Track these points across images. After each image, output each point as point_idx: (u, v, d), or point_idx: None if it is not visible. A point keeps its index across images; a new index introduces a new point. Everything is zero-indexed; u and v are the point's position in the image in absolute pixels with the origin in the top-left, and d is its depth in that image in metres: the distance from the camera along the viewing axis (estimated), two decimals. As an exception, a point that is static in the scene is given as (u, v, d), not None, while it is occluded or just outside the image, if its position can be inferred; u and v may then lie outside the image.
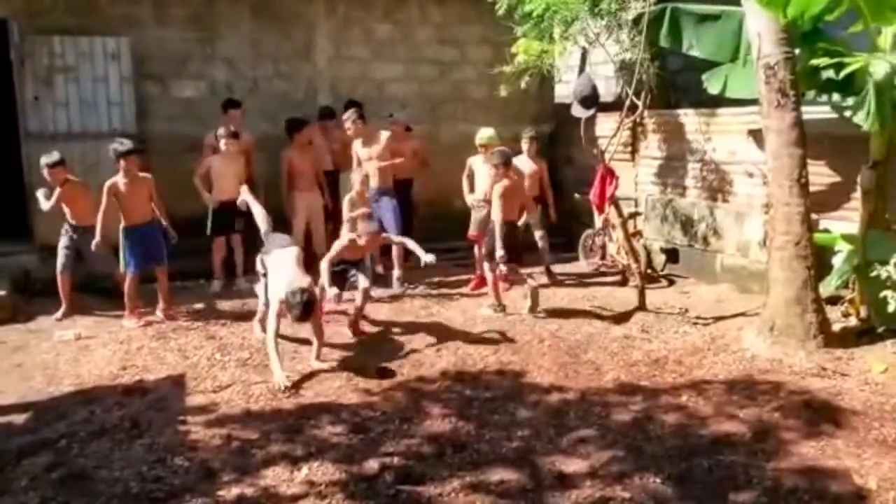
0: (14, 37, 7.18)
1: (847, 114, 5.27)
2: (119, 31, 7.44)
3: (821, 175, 5.95)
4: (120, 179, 5.96)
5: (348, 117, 6.93)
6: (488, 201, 6.38)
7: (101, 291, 6.55)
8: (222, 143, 6.74)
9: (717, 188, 7.08)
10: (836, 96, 5.59)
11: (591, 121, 7.78)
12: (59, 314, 6.11)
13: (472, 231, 6.94)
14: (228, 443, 3.82)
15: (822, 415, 4.08)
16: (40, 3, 7.22)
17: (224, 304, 6.48)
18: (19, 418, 4.20)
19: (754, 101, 5.58)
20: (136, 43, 7.51)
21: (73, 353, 5.32)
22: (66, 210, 6.12)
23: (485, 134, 6.96)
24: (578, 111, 7.51)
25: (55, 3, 7.26)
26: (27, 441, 3.86)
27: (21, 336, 5.74)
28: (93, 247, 5.94)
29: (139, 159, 6.14)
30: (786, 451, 3.68)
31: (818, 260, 5.21)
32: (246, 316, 6.14)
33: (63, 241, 6.14)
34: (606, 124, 7.82)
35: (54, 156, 6.06)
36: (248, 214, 6.29)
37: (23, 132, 7.29)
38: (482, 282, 6.74)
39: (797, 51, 5.21)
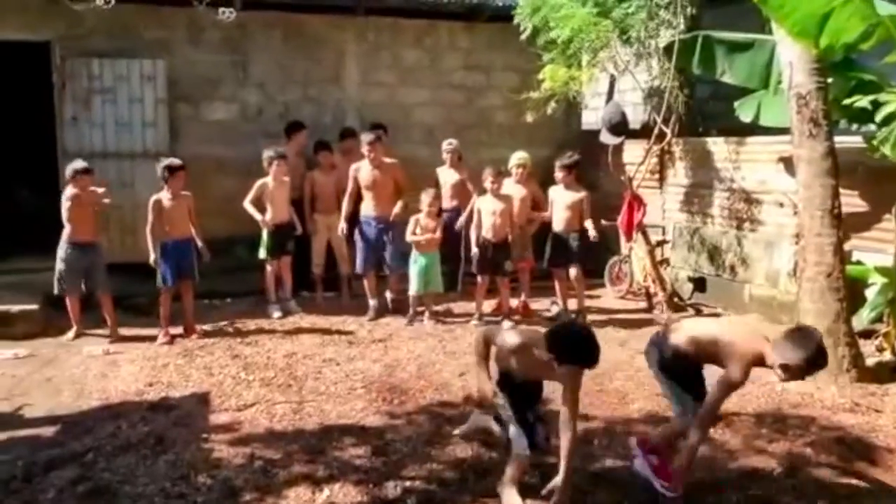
0: (56, 59, 7.41)
1: (875, 143, 5.21)
2: (155, 54, 7.63)
3: (854, 205, 5.86)
4: (164, 196, 6.09)
5: (368, 140, 6.69)
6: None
7: (133, 308, 6.64)
8: (274, 166, 6.73)
9: (746, 217, 7.01)
10: (869, 126, 5.54)
11: (618, 148, 7.77)
12: (70, 335, 6.09)
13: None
14: (251, 462, 3.82)
15: (855, 451, 3.98)
16: (81, 27, 7.42)
17: (250, 324, 6.52)
18: (48, 431, 4.25)
19: (784, 130, 5.55)
20: (170, 65, 7.69)
21: (101, 368, 5.38)
22: (71, 226, 6.01)
23: (520, 155, 6.90)
24: (607, 138, 7.52)
25: (96, 27, 7.47)
26: (55, 454, 3.90)
27: (51, 350, 5.82)
28: (151, 262, 6.02)
29: (185, 177, 6.22)
30: (818, 488, 3.59)
31: (851, 292, 5.12)
32: (270, 334, 6.19)
33: (62, 266, 6.03)
34: (634, 151, 7.81)
35: (82, 163, 6.10)
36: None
37: (60, 151, 7.48)
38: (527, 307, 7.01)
39: (829, 80, 5.17)
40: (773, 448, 4.04)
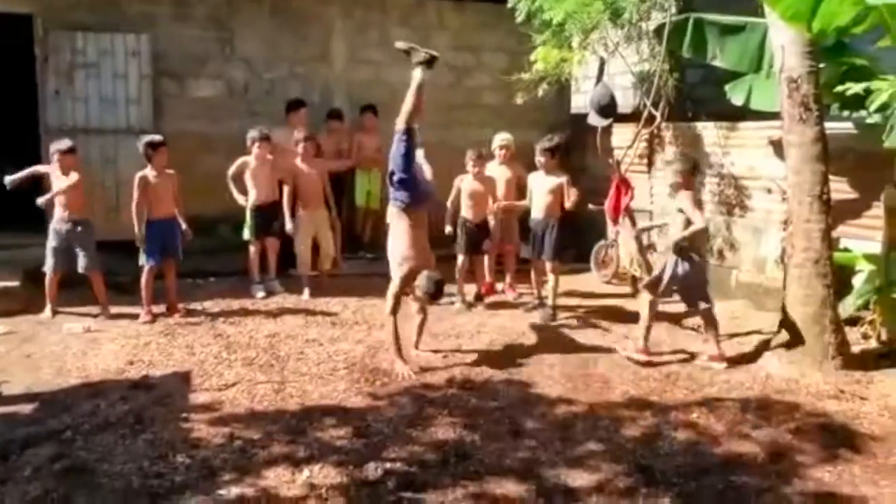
0: (38, 32, 7.27)
1: (870, 123, 5.18)
2: (139, 29, 7.49)
3: (843, 192, 5.84)
4: (149, 173, 6.00)
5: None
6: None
7: (115, 286, 6.56)
8: (256, 147, 6.63)
9: (735, 202, 6.99)
10: (860, 112, 5.51)
11: (607, 131, 7.71)
12: (47, 313, 5.99)
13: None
14: (231, 441, 3.78)
15: (839, 439, 3.98)
16: (64, 0, 7.27)
17: (233, 303, 6.46)
18: (26, 408, 4.19)
19: (774, 115, 5.51)
20: (155, 41, 7.56)
21: (82, 345, 5.31)
22: (62, 203, 5.95)
23: (503, 136, 6.84)
24: (595, 120, 7.45)
25: (78, 0, 7.32)
26: (32, 431, 3.84)
27: (31, 327, 5.74)
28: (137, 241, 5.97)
29: (167, 153, 6.13)
30: (801, 475, 3.58)
31: (838, 279, 5.11)
32: (253, 314, 6.13)
33: (54, 241, 5.98)
34: (623, 135, 7.76)
35: (66, 142, 6.03)
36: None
37: (43, 126, 7.36)
38: (491, 288, 6.92)
39: (821, 65, 5.13)
40: (757, 434, 4.03)
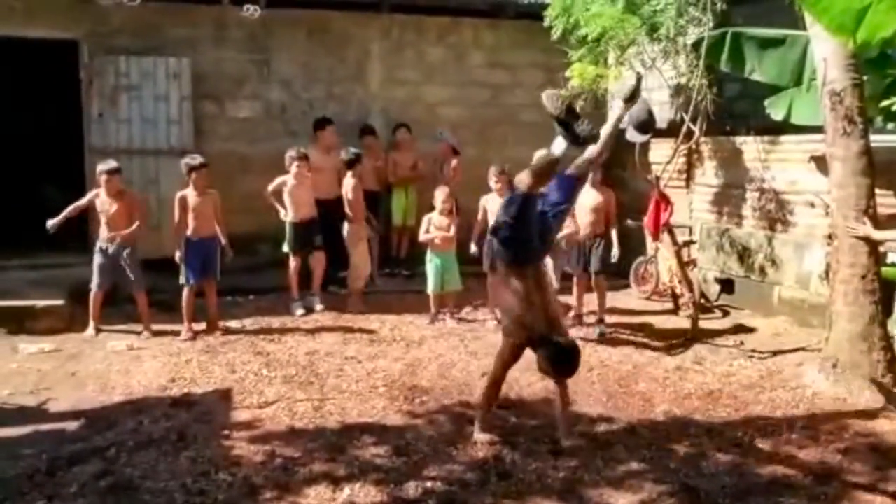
0: (84, 57, 7.49)
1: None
2: (180, 52, 7.67)
3: (890, 205, 5.68)
4: (190, 192, 6.11)
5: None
6: None
7: (156, 304, 6.67)
8: (294, 166, 6.69)
9: (776, 217, 6.86)
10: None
11: (645, 146, 7.65)
12: (91, 331, 6.09)
13: None
14: (272, 459, 3.80)
15: (890, 459, 3.86)
16: (108, 25, 7.51)
17: (273, 321, 6.52)
18: (71, 425, 4.27)
19: (815, 129, 5.41)
20: (195, 63, 7.73)
21: (125, 363, 5.40)
22: (107, 222, 6.07)
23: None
24: (634, 136, 7.38)
25: (122, 25, 7.55)
26: (78, 448, 3.91)
27: (76, 345, 5.86)
28: (177, 259, 6.06)
29: (208, 174, 6.22)
30: (851, 498, 3.49)
31: (886, 295, 4.97)
32: (292, 331, 6.18)
33: (98, 259, 6.10)
34: (661, 150, 7.69)
35: (112, 163, 6.15)
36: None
37: (87, 147, 7.55)
38: None
39: (865, 77, 5.03)
40: (805, 454, 3.94)
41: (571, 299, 6.59)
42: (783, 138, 6.78)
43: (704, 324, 6.28)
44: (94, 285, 6.13)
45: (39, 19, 7.37)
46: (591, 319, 6.47)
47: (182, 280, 6.14)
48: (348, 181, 6.84)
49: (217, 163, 7.54)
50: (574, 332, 6.18)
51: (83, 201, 6.19)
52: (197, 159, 6.23)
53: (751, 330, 6.45)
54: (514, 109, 8.78)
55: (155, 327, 6.18)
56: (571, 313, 6.58)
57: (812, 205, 6.45)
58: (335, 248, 6.97)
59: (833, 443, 4.07)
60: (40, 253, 7.34)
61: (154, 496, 3.42)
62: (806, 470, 3.75)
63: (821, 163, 5.64)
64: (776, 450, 4.01)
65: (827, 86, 4.93)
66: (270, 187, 6.72)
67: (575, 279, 6.50)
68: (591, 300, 6.59)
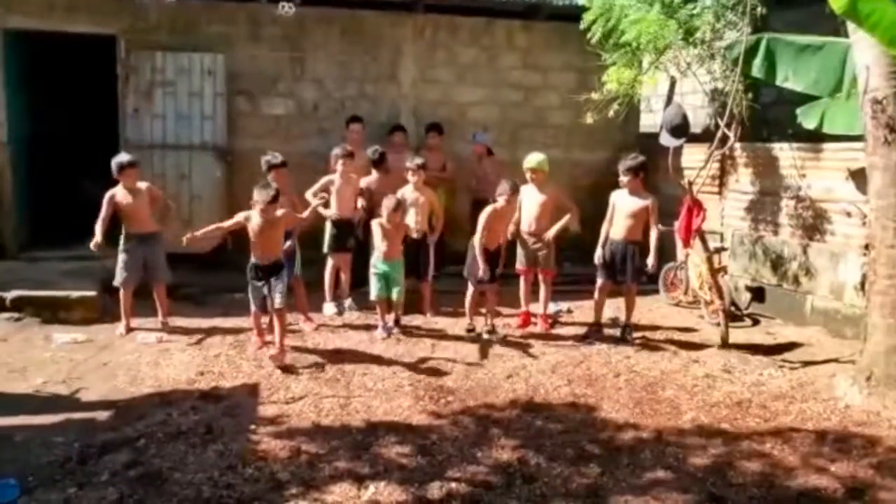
0: (121, 52, 7.62)
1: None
2: (215, 49, 7.77)
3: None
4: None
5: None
6: (534, 233, 6.38)
7: (186, 297, 6.76)
8: (340, 164, 6.65)
9: (811, 226, 6.74)
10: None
11: (678, 151, 7.55)
12: (122, 329, 6.00)
13: (520, 265, 6.53)
14: (297, 455, 3.83)
15: (925, 476, 3.77)
16: (145, 21, 7.64)
17: (302, 317, 6.51)
18: (102, 415, 4.35)
19: (852, 138, 5.29)
20: (230, 60, 7.82)
21: (155, 355, 5.48)
22: (127, 218, 5.99)
23: (534, 159, 6.39)
24: (667, 140, 7.30)
25: (159, 21, 7.67)
26: (108, 438, 3.98)
27: (108, 336, 5.95)
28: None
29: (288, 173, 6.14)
30: (884, 513, 3.41)
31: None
32: (320, 329, 6.23)
33: (123, 255, 6.00)
34: (694, 155, 7.60)
35: (126, 156, 6.06)
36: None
37: (122, 141, 7.67)
38: (527, 319, 6.57)
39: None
40: (836, 468, 3.86)
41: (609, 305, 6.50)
42: (820, 146, 6.66)
43: (734, 332, 6.18)
44: (117, 281, 6.05)
45: (80, 14, 7.52)
46: (614, 330, 6.37)
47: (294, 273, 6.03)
48: (370, 178, 6.87)
49: (249, 159, 7.63)
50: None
51: (102, 212, 5.91)
52: (278, 157, 6.15)
53: (782, 339, 6.35)
54: (545, 111, 8.75)
55: (183, 322, 6.24)
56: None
57: (849, 214, 6.32)
58: (367, 249, 6.98)
59: (865, 457, 3.99)
60: (76, 244, 7.47)
61: (182, 488, 3.47)
62: (837, 483, 3.68)
63: (859, 177, 5.51)
64: (806, 462, 3.93)
65: (868, 94, 4.83)
66: (315, 187, 6.57)
67: (601, 286, 6.29)
68: (612, 304, 6.54)
